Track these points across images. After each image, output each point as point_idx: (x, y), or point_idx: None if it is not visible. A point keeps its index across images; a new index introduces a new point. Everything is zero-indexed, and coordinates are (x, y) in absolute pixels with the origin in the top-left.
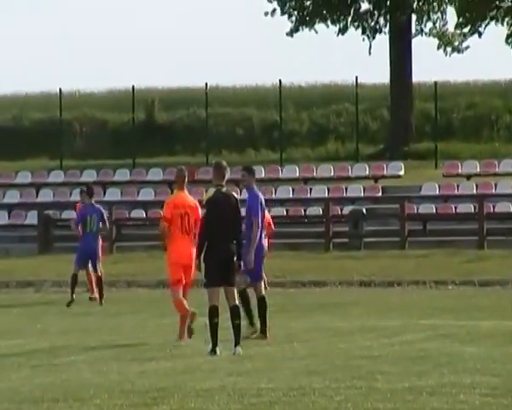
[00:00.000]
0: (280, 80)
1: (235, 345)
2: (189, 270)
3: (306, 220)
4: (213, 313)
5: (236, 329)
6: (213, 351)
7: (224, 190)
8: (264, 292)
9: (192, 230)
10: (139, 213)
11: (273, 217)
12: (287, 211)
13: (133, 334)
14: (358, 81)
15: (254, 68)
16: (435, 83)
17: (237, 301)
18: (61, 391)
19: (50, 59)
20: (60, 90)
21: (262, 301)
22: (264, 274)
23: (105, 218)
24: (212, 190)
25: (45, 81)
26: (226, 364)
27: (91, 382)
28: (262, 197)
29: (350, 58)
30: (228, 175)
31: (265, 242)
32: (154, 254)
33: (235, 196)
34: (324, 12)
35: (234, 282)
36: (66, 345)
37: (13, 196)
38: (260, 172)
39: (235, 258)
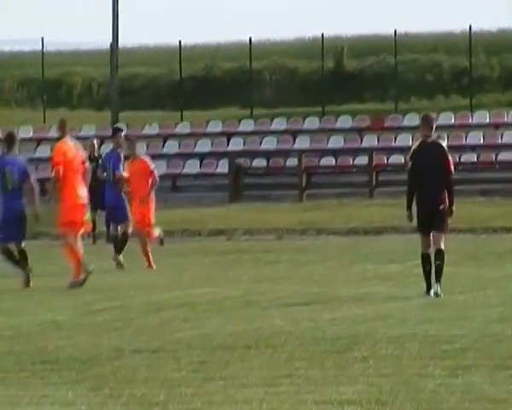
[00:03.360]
0: (470, 26)
1: (436, 281)
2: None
3: (498, 166)
4: (424, 260)
5: (437, 269)
6: (428, 292)
7: (430, 140)
8: None
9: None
10: (329, 161)
11: (463, 163)
12: (477, 157)
13: (323, 282)
14: None
15: (444, 14)
16: None
17: (442, 245)
18: (253, 338)
19: (241, 9)
20: (250, 39)
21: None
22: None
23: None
24: (418, 142)
25: (236, 31)
26: (417, 311)
27: (283, 329)
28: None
29: None
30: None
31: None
32: (344, 202)
33: (443, 144)
34: None
35: (442, 229)
36: (257, 293)
37: (204, 145)
38: (450, 119)
39: (441, 206)
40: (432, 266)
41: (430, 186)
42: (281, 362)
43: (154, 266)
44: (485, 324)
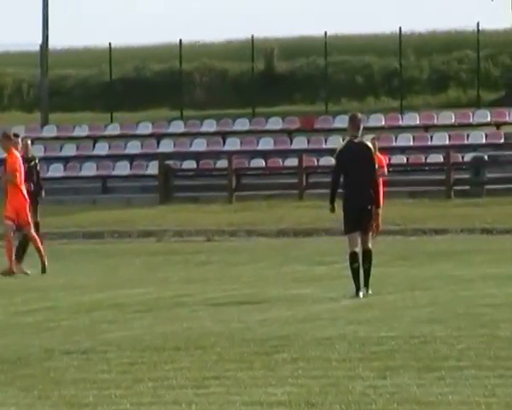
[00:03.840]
0: (400, 27)
1: (364, 285)
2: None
3: (427, 168)
4: (353, 258)
5: (366, 272)
6: (357, 294)
7: (357, 140)
8: None
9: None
10: (259, 163)
11: (394, 164)
12: (407, 159)
13: (253, 283)
14: (480, 27)
15: (374, 16)
16: None
17: (370, 245)
18: (182, 340)
19: (171, 11)
20: (180, 41)
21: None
22: None
23: None
24: (344, 141)
25: (166, 32)
26: (346, 312)
27: (212, 330)
28: None
29: (471, 4)
30: (362, 126)
31: None
32: (274, 204)
33: (369, 145)
34: None
35: (369, 229)
36: (187, 294)
37: (134, 147)
38: (380, 120)
39: (369, 206)
40: (360, 266)
41: (357, 187)
42: (210, 363)
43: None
44: (413, 325)
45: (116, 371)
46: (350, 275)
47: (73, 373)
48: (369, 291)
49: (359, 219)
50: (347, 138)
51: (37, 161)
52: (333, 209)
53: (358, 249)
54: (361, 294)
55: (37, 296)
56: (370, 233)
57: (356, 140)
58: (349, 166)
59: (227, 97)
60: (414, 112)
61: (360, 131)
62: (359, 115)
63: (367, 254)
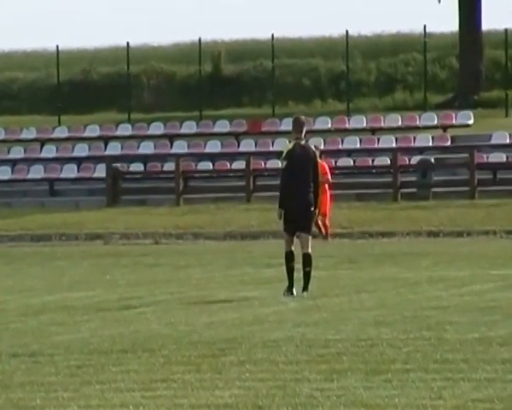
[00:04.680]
0: (347, 30)
1: (303, 290)
2: None
3: (374, 171)
4: (289, 257)
5: (306, 275)
6: (290, 291)
7: (302, 142)
8: None
9: None
10: (206, 166)
11: (340, 167)
12: (354, 161)
13: (201, 286)
14: (427, 30)
15: (321, 19)
16: (506, 30)
17: (310, 249)
18: (129, 342)
19: (118, 13)
20: (127, 43)
21: None
22: None
23: None
24: (291, 143)
25: (113, 35)
26: (293, 315)
27: (160, 333)
28: None
29: (418, 7)
30: (306, 129)
31: None
32: (221, 206)
33: (313, 149)
34: None
35: (309, 230)
36: (134, 297)
37: (82, 150)
38: (327, 123)
39: (312, 208)
40: (295, 264)
41: (300, 189)
42: (157, 366)
43: None
44: (360, 327)
45: (64, 374)
46: (284, 272)
47: (21, 376)
48: (305, 295)
49: (298, 221)
50: (293, 141)
51: None
52: (281, 215)
53: (294, 248)
54: (295, 291)
55: None
56: (310, 237)
57: (302, 143)
58: (294, 168)
59: (174, 100)
60: (361, 115)
61: (303, 134)
62: (302, 118)
63: (307, 257)
